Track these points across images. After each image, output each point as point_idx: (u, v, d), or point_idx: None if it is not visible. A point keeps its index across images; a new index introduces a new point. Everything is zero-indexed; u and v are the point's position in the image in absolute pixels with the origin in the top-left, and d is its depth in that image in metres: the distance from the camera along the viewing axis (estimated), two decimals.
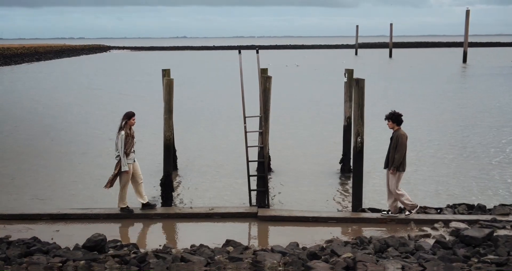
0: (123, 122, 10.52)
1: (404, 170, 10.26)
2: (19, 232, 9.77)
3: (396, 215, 10.36)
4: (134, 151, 10.65)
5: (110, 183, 10.61)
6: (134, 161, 10.69)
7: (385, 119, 10.35)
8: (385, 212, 10.46)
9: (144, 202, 10.84)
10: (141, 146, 18.21)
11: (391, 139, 10.29)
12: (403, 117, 10.35)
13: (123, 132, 10.43)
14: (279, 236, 9.70)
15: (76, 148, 17.97)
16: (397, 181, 10.20)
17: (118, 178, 10.63)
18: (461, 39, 74.22)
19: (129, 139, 10.50)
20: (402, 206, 10.44)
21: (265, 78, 11.59)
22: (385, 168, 10.41)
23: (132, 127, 10.67)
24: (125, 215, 10.67)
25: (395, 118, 10.24)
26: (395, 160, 10.10)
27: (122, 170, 10.47)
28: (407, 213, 10.38)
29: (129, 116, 10.58)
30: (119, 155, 10.45)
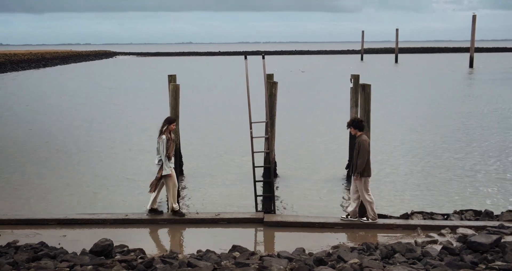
0: (164, 127, 10.67)
1: (369, 176, 10.35)
2: (27, 237, 9.82)
3: (355, 219, 10.46)
4: (173, 155, 10.79)
5: (154, 187, 10.76)
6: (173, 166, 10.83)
7: (347, 127, 10.55)
8: (344, 216, 10.54)
9: (174, 210, 10.84)
10: (147, 152, 18.32)
11: (355, 144, 10.40)
12: (364, 123, 10.53)
13: (164, 136, 10.59)
14: (285, 242, 9.69)
15: (84, 153, 18.03)
16: (365, 187, 10.29)
17: (160, 182, 10.78)
18: (466, 45, 74.12)
19: (170, 143, 10.66)
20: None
21: (271, 84, 11.62)
22: (350, 174, 10.44)
23: (172, 132, 10.83)
24: (131, 220, 10.69)
25: (356, 125, 10.41)
26: (358, 166, 10.20)
27: (164, 174, 10.61)
28: (364, 218, 10.45)
29: (170, 121, 10.76)
30: (161, 159, 10.59)
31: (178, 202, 11.05)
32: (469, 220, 10.58)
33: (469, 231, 9.67)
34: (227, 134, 21.31)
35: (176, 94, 11.48)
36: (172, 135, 10.83)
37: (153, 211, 10.91)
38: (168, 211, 11.05)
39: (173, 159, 10.78)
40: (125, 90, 42.41)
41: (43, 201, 12.67)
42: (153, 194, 10.85)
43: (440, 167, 15.72)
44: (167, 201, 11.07)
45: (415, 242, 9.29)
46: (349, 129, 10.58)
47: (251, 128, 11.37)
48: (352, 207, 10.51)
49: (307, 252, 8.88)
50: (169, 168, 10.63)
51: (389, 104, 30.76)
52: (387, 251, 8.60)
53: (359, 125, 10.39)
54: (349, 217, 10.53)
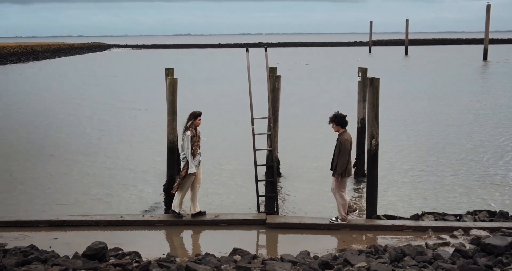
0: (189, 122, 10.47)
1: (350, 175, 10.28)
2: (16, 239, 9.82)
3: (345, 222, 10.39)
4: (200, 152, 10.63)
5: (177, 186, 10.60)
6: (199, 163, 10.69)
7: (329, 122, 10.32)
8: (334, 219, 10.49)
9: (194, 212, 10.77)
10: (143, 149, 18.34)
11: (336, 142, 10.24)
12: (347, 118, 10.28)
13: (189, 132, 10.38)
14: (289, 244, 9.69)
15: (76, 153, 18.05)
16: (340, 186, 10.21)
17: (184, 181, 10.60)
18: (480, 36, 73.95)
19: (195, 139, 10.45)
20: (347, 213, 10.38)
21: (273, 78, 11.60)
22: (333, 174, 10.31)
23: (198, 128, 10.62)
24: (126, 222, 10.69)
25: (338, 121, 10.19)
26: (338, 167, 10.09)
27: (190, 172, 10.42)
28: (333, 219, 10.41)
29: (195, 116, 10.52)
30: (185, 157, 10.42)
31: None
32: (483, 221, 10.56)
33: (483, 233, 9.66)
34: (228, 131, 21.31)
35: (173, 89, 11.47)
36: (198, 131, 10.58)
37: (196, 214, 10.74)
38: (189, 211, 10.83)
39: (198, 156, 10.55)
40: (119, 85, 42.41)
41: (33, 202, 12.68)
42: (178, 195, 10.65)
43: (453, 165, 15.70)
44: (192, 201, 10.81)
45: (426, 244, 9.27)
46: (330, 125, 10.32)
47: (253, 124, 11.35)
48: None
49: (312, 255, 8.87)
50: (195, 166, 10.47)
51: (399, 99, 30.72)
52: (396, 254, 8.59)
53: (341, 121, 10.19)
54: (338, 220, 10.48)
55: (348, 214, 10.45)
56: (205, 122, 10.72)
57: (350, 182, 14.07)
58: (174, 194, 11.15)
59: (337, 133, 10.36)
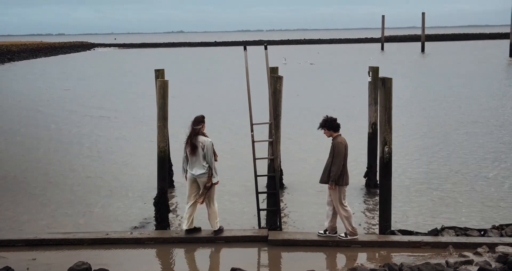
0: (201, 127, 10.64)
1: (346, 184, 10.34)
2: None
3: (334, 235, 10.47)
4: None
5: (204, 198, 10.67)
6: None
7: (319, 128, 10.50)
8: (322, 232, 10.55)
9: (189, 228, 10.80)
10: (131, 158, 18.36)
11: (330, 147, 10.40)
12: (339, 122, 10.43)
13: (210, 139, 10.61)
14: (294, 264, 9.69)
15: (57, 167, 18.07)
16: (340, 197, 10.28)
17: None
18: (506, 30, 74.01)
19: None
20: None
21: (275, 79, 11.64)
22: (320, 181, 10.45)
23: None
24: (113, 240, 10.68)
25: (330, 125, 10.37)
26: (332, 173, 10.17)
27: (214, 182, 10.63)
28: (342, 235, 10.46)
29: (203, 119, 10.75)
30: (207, 166, 10.56)
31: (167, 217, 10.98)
32: (511, 236, 10.56)
33: (511, 250, 9.65)
34: (225, 138, 21.33)
35: (164, 91, 11.50)
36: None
37: (192, 230, 10.83)
38: (184, 227, 10.83)
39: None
40: (106, 90, 42.51)
41: (9, 219, 12.67)
42: (213, 211, 10.72)
43: (476, 174, 15.71)
44: (189, 215, 10.80)
45: (446, 262, 9.27)
46: (322, 131, 10.48)
47: (252, 131, 11.38)
48: (329, 221, 10.48)
49: None
50: (218, 175, 10.69)
51: (414, 101, 30.76)
52: None
53: (333, 125, 10.36)
54: (327, 232, 10.52)
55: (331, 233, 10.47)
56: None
57: (360, 194, 14.10)
58: (166, 208, 11.18)
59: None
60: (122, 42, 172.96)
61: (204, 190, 10.64)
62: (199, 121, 10.71)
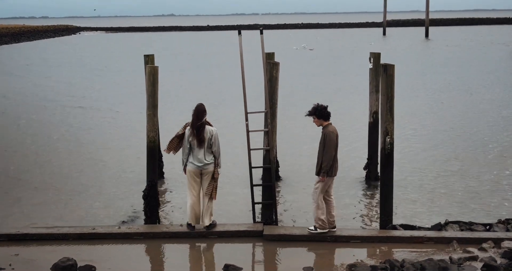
0: (206, 118, 10.69)
1: (334, 175, 10.35)
2: None
3: (333, 230, 10.46)
4: None
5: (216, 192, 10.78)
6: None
7: (308, 115, 10.44)
8: (312, 228, 10.49)
9: (208, 223, 10.79)
10: (118, 150, 18.34)
11: (321, 137, 10.38)
12: (329, 109, 10.39)
13: (215, 128, 10.68)
14: (290, 260, 9.71)
15: (43, 155, 18.06)
16: (324, 187, 10.26)
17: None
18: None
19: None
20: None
21: (271, 65, 11.61)
22: (316, 174, 10.39)
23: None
24: (100, 235, 10.69)
25: (320, 113, 10.32)
26: (324, 164, 10.16)
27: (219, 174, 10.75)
28: (311, 228, 10.45)
29: (205, 109, 10.77)
30: (212, 156, 10.62)
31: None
32: None
33: None
34: (218, 128, 21.27)
35: (154, 78, 11.45)
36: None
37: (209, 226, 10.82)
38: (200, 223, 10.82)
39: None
40: (91, 78, 42.42)
41: None
42: (197, 205, 10.70)
43: (481, 167, 15.76)
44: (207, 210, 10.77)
45: (450, 258, 9.31)
46: (312, 119, 10.44)
47: (246, 120, 11.36)
48: (325, 212, 10.45)
49: None
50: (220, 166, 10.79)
51: (418, 89, 30.79)
52: (415, 269, 8.63)
53: (323, 113, 10.31)
54: (317, 228, 10.50)
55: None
56: (190, 119, 10.73)
57: (360, 187, 14.13)
58: (156, 201, 11.17)
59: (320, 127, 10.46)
60: (110, 26, 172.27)
61: (213, 182, 10.68)
62: (203, 110, 10.69)
